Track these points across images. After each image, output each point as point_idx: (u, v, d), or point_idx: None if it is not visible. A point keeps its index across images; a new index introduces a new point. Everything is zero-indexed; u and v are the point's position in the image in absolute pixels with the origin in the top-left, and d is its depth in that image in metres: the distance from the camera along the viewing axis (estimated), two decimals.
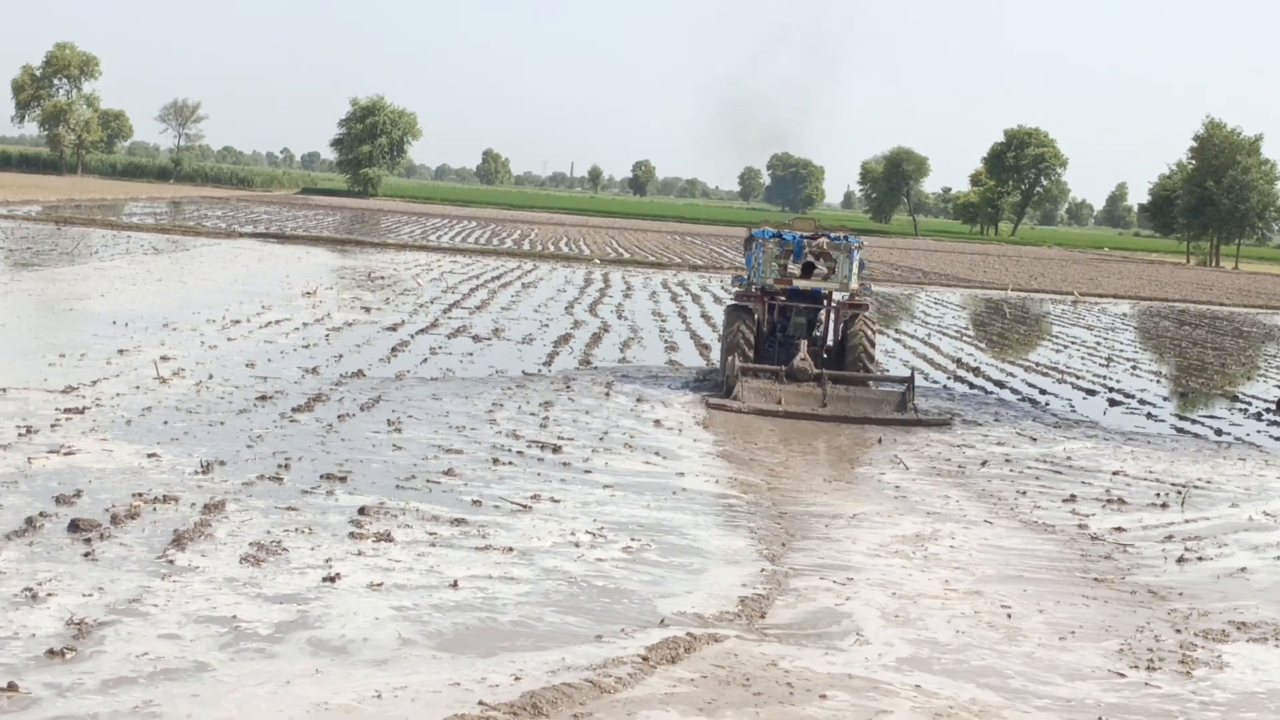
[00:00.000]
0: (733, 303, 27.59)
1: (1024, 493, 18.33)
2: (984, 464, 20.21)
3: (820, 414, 24.18)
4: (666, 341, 34.66)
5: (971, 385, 29.88)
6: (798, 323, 26.92)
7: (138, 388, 20.92)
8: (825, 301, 27.21)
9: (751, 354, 26.04)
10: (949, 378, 30.90)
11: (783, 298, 26.93)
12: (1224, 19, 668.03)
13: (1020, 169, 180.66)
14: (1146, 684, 10.95)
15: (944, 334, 42.79)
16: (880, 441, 21.68)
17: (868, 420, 24.06)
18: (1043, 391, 29.52)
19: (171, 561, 12.02)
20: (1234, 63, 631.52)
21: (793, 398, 24.70)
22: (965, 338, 42.46)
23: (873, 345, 26.68)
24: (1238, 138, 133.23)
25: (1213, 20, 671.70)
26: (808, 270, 26.83)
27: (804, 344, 25.87)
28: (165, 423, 18.29)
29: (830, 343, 27.21)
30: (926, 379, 30.23)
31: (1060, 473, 19.98)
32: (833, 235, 27.11)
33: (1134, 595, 13.56)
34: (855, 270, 26.92)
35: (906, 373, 27.10)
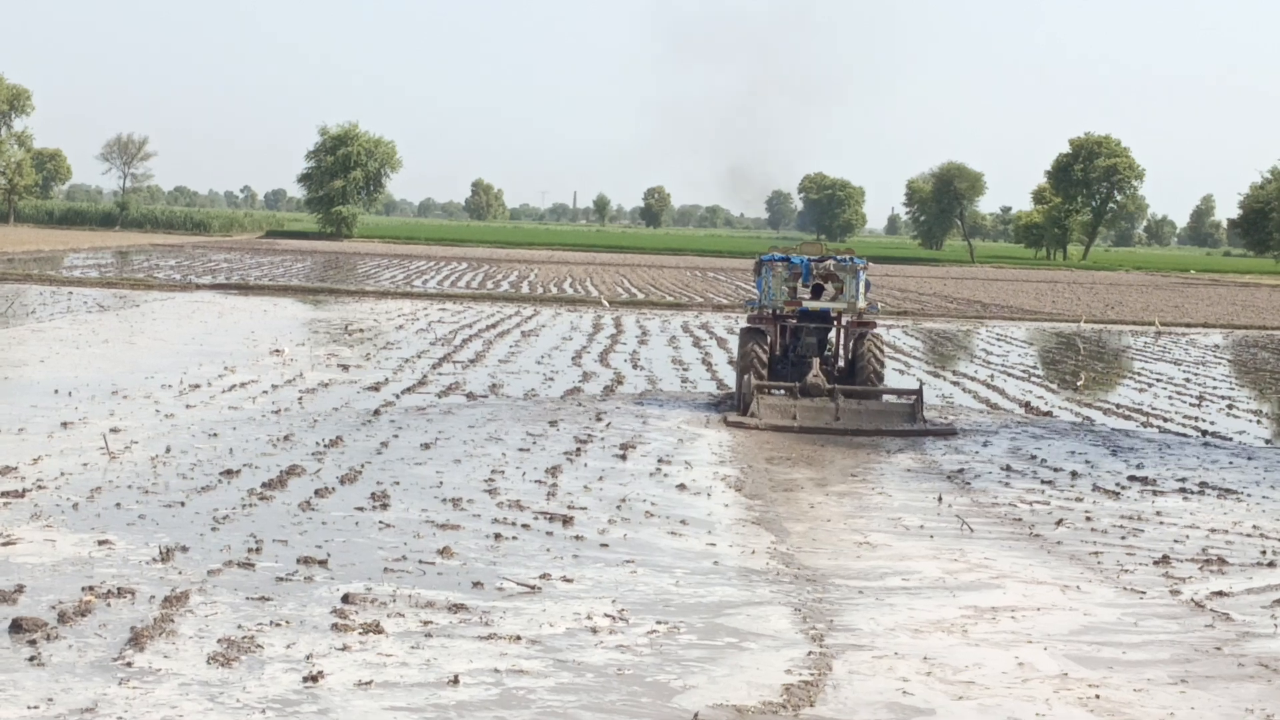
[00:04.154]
0: (746, 325, 32.61)
1: (1102, 553, 18.27)
2: (1060, 523, 20.16)
3: (834, 428, 28.59)
4: (689, 396, 34.66)
5: (1043, 431, 29.83)
6: (809, 342, 31.83)
7: (85, 465, 20.99)
8: (835, 321, 32.13)
9: (765, 373, 30.57)
10: (1018, 423, 30.84)
11: (793, 319, 31.92)
12: None
13: (1090, 183, 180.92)
14: None
15: (1009, 374, 42.76)
16: (940, 499, 21.65)
17: (880, 432, 28.53)
18: (1127, 435, 29.47)
19: (129, 664, 12.04)
20: None
21: (807, 413, 29.20)
22: (1034, 378, 42.42)
23: (882, 362, 31.23)
24: None
25: None
26: (817, 292, 31.58)
27: (816, 361, 30.66)
28: (118, 505, 18.35)
29: (841, 361, 31.89)
30: (983, 416, 30.21)
31: (1145, 530, 19.92)
32: (839, 258, 31.77)
33: (1241, 668, 13.49)
34: (862, 290, 31.53)
35: (933, 392, 30.81)
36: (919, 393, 29.99)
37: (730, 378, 35.84)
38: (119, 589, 14.20)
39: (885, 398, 30.92)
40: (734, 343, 49.11)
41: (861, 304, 31.50)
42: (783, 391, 30.15)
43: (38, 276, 69.36)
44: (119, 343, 40.93)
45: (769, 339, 31.32)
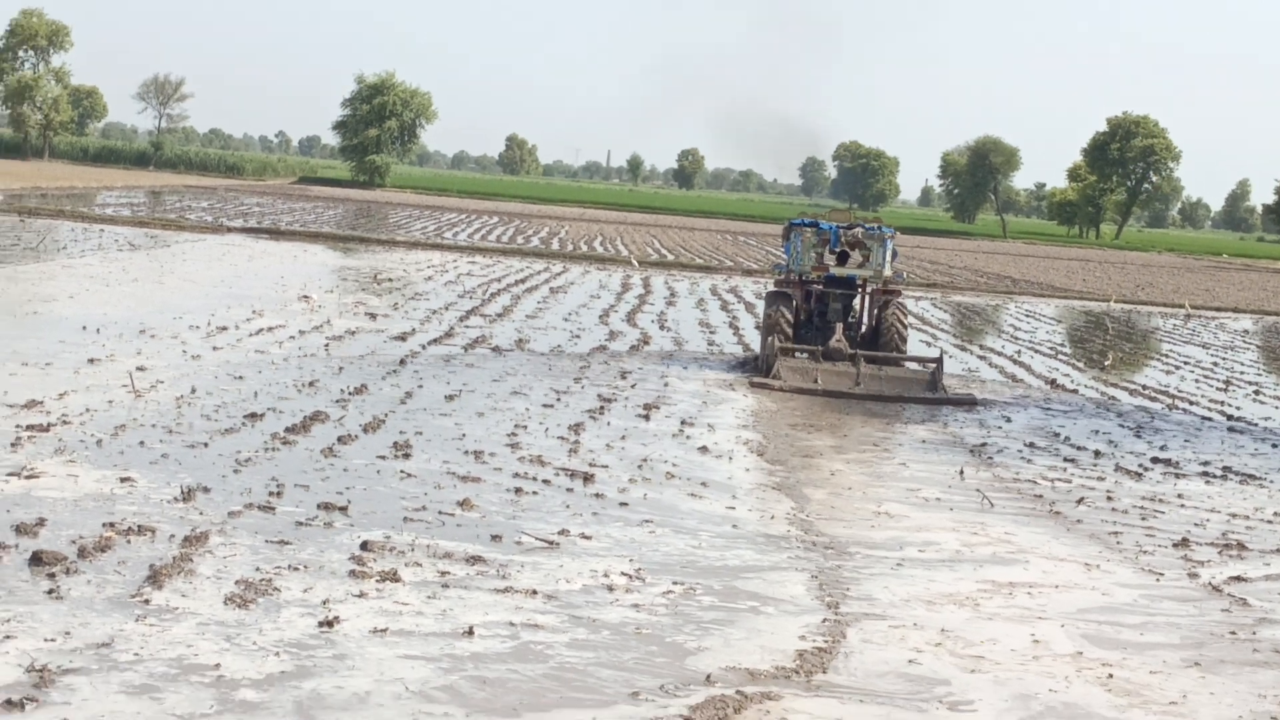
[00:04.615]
0: (772, 289, 33.48)
1: (1122, 534, 18.23)
2: (1080, 501, 20.11)
3: (854, 392, 29.15)
4: (715, 358, 34.68)
5: (1067, 408, 29.75)
6: (834, 308, 32.27)
7: (110, 403, 21.07)
8: (860, 288, 32.71)
9: (790, 336, 31.21)
10: (1043, 400, 30.76)
11: (819, 285, 32.38)
12: None
13: (1126, 163, 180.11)
14: None
15: (1036, 351, 42.65)
16: (962, 473, 21.62)
17: (900, 399, 29.08)
18: (1152, 417, 29.38)
19: (147, 601, 12.09)
20: None
21: (829, 377, 29.82)
22: (1061, 355, 42.30)
23: (905, 330, 31.95)
24: None
25: None
26: (843, 258, 32.29)
27: (839, 327, 31.45)
28: (141, 443, 18.41)
29: (865, 327, 32.59)
30: (1004, 391, 30.15)
31: (1166, 513, 19.87)
32: (867, 226, 32.29)
33: (1256, 653, 13.46)
34: (889, 259, 32.06)
35: (959, 365, 31.71)
36: (939, 361, 30.54)
37: (757, 342, 35.85)
38: (139, 526, 14.26)
39: (907, 365, 31.33)
40: (761, 308, 49.11)
41: (888, 272, 32.08)
42: (805, 355, 30.80)
43: (70, 213, 69.50)
44: (148, 282, 41.03)
45: (794, 303, 31.97)
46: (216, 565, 13.31)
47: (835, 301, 32.30)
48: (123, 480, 16.28)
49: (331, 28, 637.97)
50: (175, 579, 12.72)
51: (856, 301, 32.91)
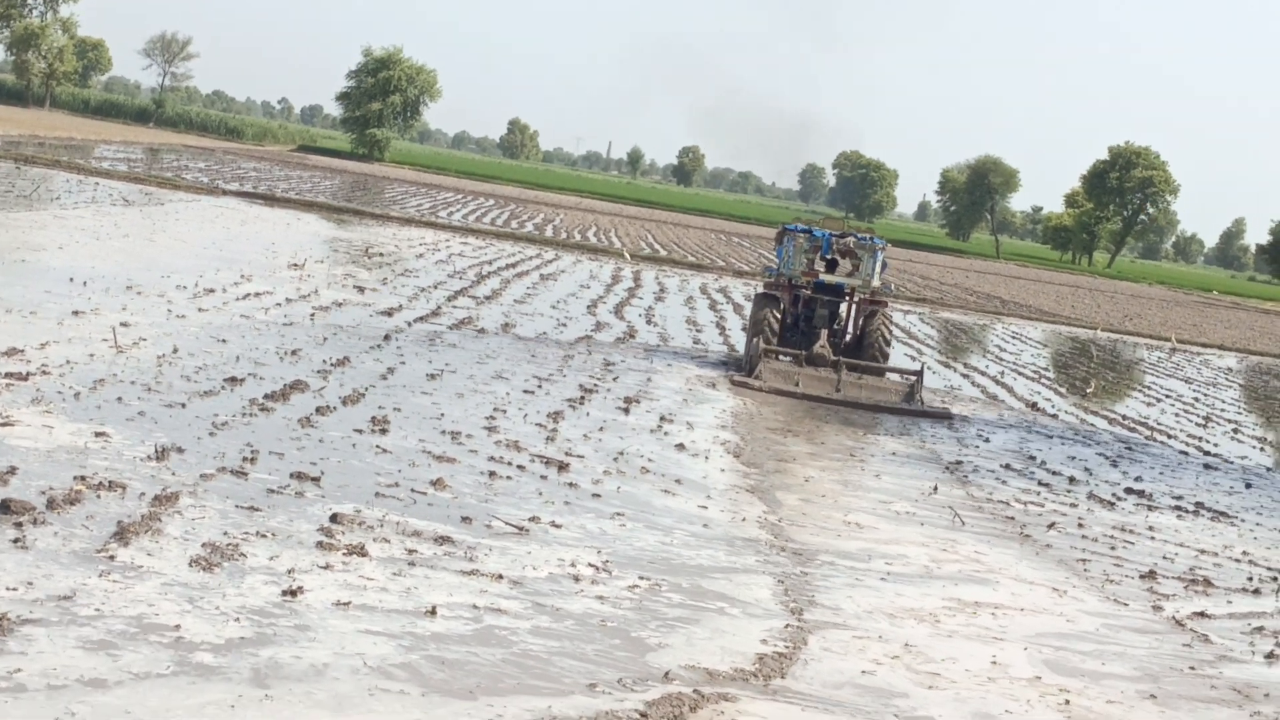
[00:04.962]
0: (761, 291, 34.01)
1: (1090, 562, 18.27)
2: (1052, 526, 20.15)
3: (833, 398, 29.47)
4: (698, 356, 34.70)
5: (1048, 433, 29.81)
6: (820, 314, 32.63)
7: (91, 356, 21.02)
8: (848, 296, 32.93)
9: (775, 338, 31.67)
10: (1023, 422, 30.81)
11: (808, 290, 32.63)
12: None
13: (1124, 192, 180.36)
14: None
15: (1020, 373, 42.70)
16: (936, 490, 21.65)
17: (877, 408, 29.43)
18: (1129, 448, 29.42)
19: (112, 558, 12.07)
20: None
21: (810, 381, 30.21)
22: (1044, 379, 42.35)
23: (889, 340, 32.32)
24: None
25: None
26: (833, 266, 32.44)
27: (825, 333, 31.81)
28: (119, 399, 18.38)
29: (849, 336, 32.87)
30: (984, 415, 30.20)
31: (1135, 544, 19.91)
32: (860, 235, 32.64)
33: (1214, 690, 13.50)
34: (878, 269, 32.38)
35: (941, 381, 32.12)
36: (919, 374, 30.99)
37: (742, 343, 35.88)
38: (110, 482, 14.23)
39: (888, 376, 31.57)
40: (750, 309, 49.16)
41: (876, 283, 32.43)
42: (789, 358, 31.31)
43: (66, 164, 69.33)
44: (139, 238, 40.95)
45: (782, 306, 32.41)
46: (184, 526, 13.29)
47: (822, 308, 32.67)
48: (97, 435, 16.25)
49: None
50: (142, 537, 12.70)
51: (843, 309, 33.22)
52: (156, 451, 15.81)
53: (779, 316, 32.04)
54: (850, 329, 33.13)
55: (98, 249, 35.90)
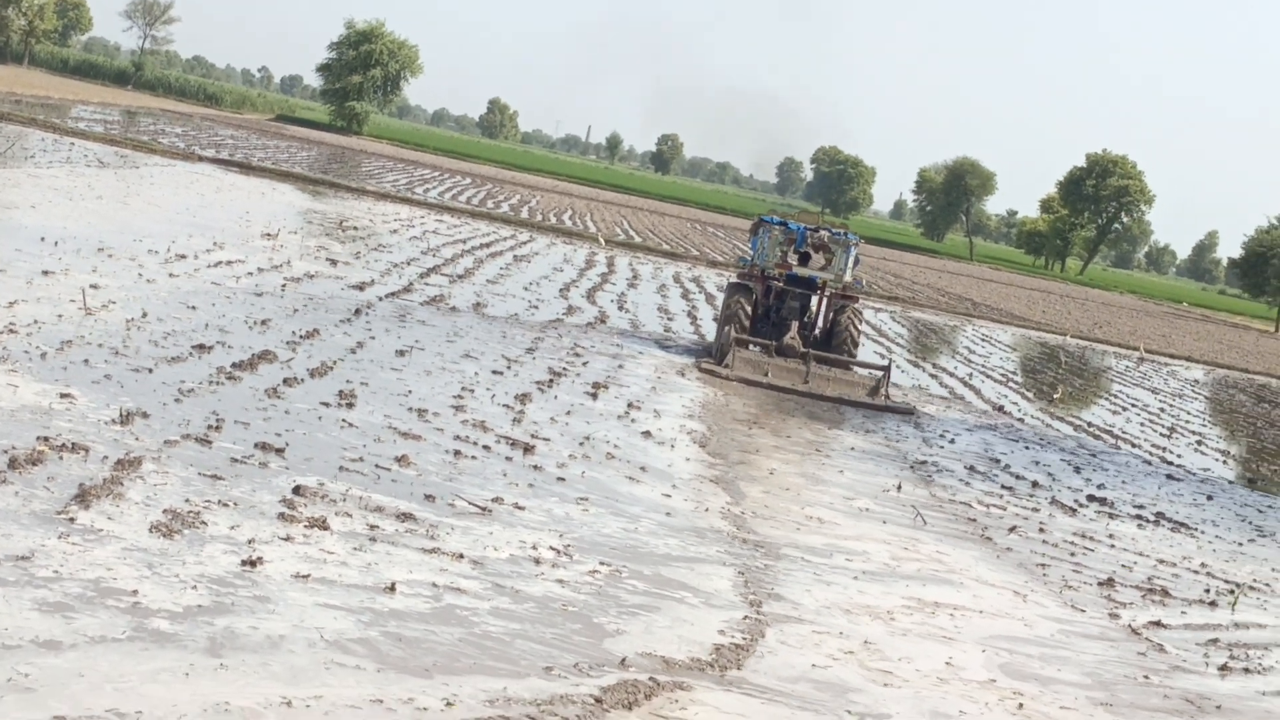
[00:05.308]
0: (734, 280, 34.51)
1: (1050, 567, 18.33)
2: (1013, 530, 20.21)
3: (800, 389, 29.86)
4: (669, 344, 34.72)
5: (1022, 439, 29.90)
6: (791, 306, 32.96)
7: (60, 317, 20.92)
8: (819, 290, 33.32)
9: (747, 327, 31.87)
10: (989, 425, 30.90)
11: (780, 282, 32.89)
12: None
13: (1099, 200, 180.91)
14: None
15: (988, 375, 42.82)
16: (900, 488, 21.70)
17: (843, 401, 29.83)
18: (1094, 455, 29.53)
19: (72, 520, 12.02)
20: None
21: (778, 371, 30.53)
22: (1012, 383, 42.49)
23: (857, 335, 32.77)
24: None
25: None
26: (805, 259, 32.75)
27: (795, 325, 32.31)
28: (86, 361, 18.30)
29: (819, 329, 33.26)
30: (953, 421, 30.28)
31: (1095, 551, 19.98)
32: (834, 230, 33.06)
33: (1167, 700, 13.57)
34: (850, 265, 32.84)
35: (909, 379, 32.80)
36: (887, 369, 31.48)
37: (713, 334, 35.90)
38: (73, 444, 14.16)
39: (855, 370, 31.98)
40: (723, 298, 49.21)
41: (848, 278, 32.87)
42: (759, 348, 31.71)
43: (42, 123, 68.97)
44: (113, 201, 40.76)
45: (754, 296, 32.70)
46: (146, 492, 13.24)
47: (793, 300, 33.03)
48: (62, 396, 16.17)
49: None
50: (103, 501, 12.64)
51: (814, 302, 33.66)
52: (121, 415, 15.75)
53: (751, 306, 32.33)
54: (820, 322, 33.49)
55: (70, 209, 35.72)
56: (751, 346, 31.61)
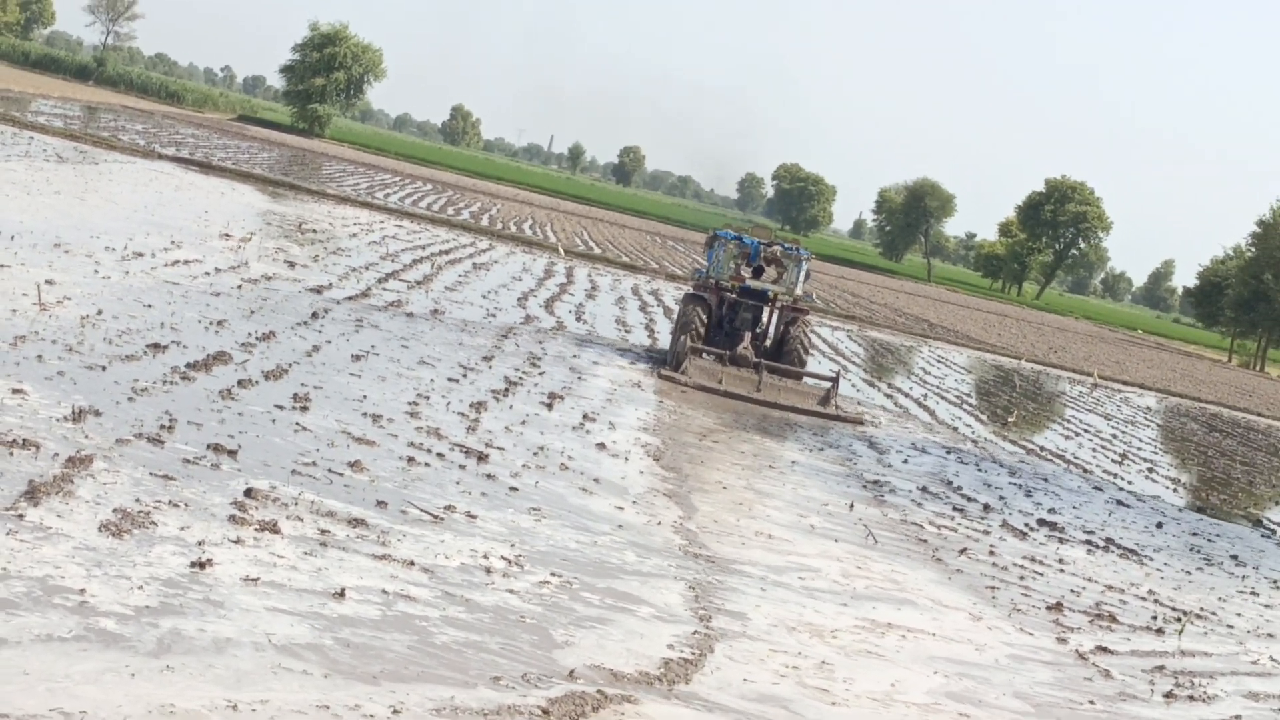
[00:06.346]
0: (690, 291, 35.57)
1: (999, 590, 18.40)
2: (963, 552, 20.28)
3: (754, 398, 30.85)
4: (626, 356, 34.73)
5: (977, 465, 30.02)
6: (744, 317, 33.96)
7: (14, 312, 20.79)
8: (771, 302, 34.31)
9: (702, 335, 32.94)
10: (942, 446, 31.02)
11: (733, 294, 33.98)
12: None
13: (1057, 225, 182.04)
14: None
15: (943, 397, 42.98)
16: (852, 507, 21.75)
17: (794, 410, 30.89)
18: (1045, 479, 29.66)
19: (21, 516, 11.94)
20: None
21: (732, 380, 31.53)
22: (966, 405, 42.65)
23: (807, 346, 33.87)
24: None
25: None
26: (758, 272, 33.91)
27: (748, 335, 33.21)
28: (39, 357, 18.18)
29: (770, 340, 34.18)
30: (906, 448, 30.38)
31: (1045, 575, 20.07)
32: (786, 245, 34.19)
33: None
34: (801, 279, 34.10)
35: (839, 377, 33.81)
36: (835, 380, 32.82)
37: (669, 343, 35.94)
38: (24, 440, 14.07)
39: (805, 380, 33.14)
40: (678, 308, 49.31)
41: (799, 291, 34.21)
42: (713, 357, 32.43)
43: (2, 115, 68.52)
44: (70, 196, 40.54)
45: (709, 307, 33.73)
46: (97, 490, 13.17)
47: (746, 311, 34.04)
48: (14, 391, 16.07)
49: None
50: (53, 498, 12.57)
51: (766, 314, 34.61)
52: (73, 413, 15.66)
53: (705, 317, 33.33)
54: (772, 333, 34.47)
55: (27, 203, 35.51)
56: (705, 355, 32.36)
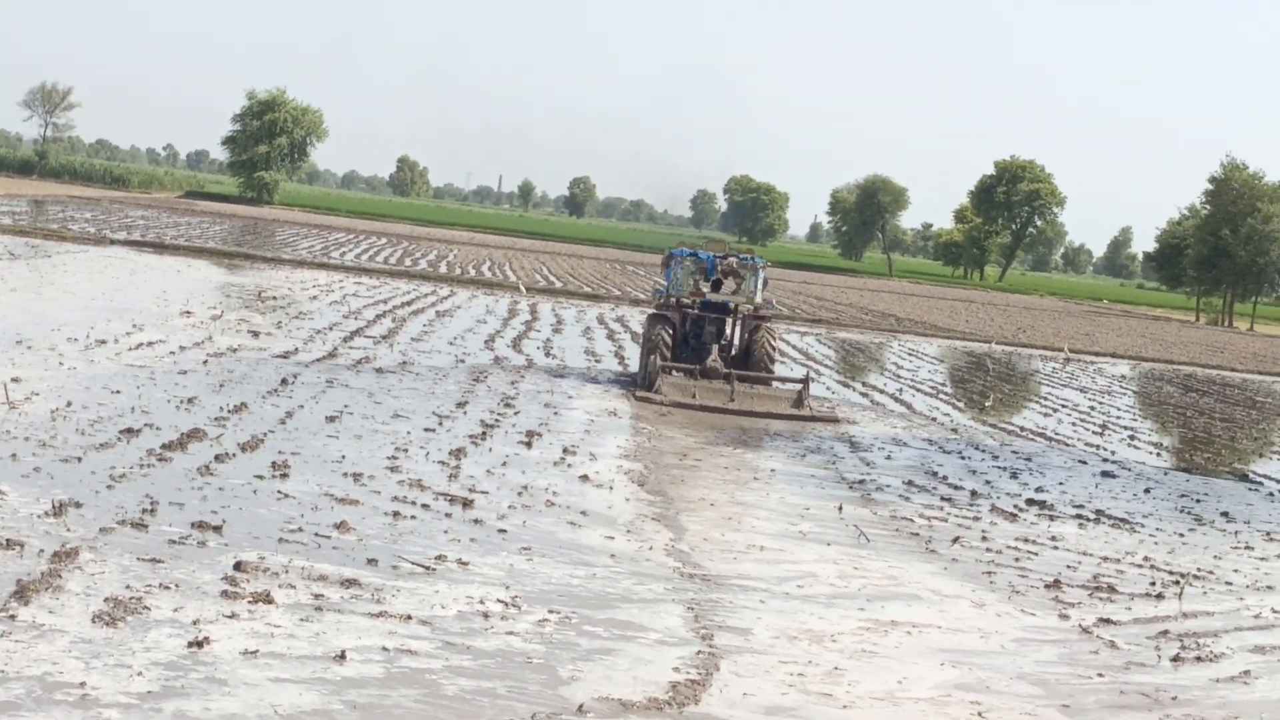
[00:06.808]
0: (653, 312, 36.02)
1: (996, 574, 18.43)
2: (956, 541, 20.31)
3: (729, 409, 31.45)
4: (598, 385, 34.74)
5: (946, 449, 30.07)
6: (709, 331, 34.74)
7: None
8: (733, 313, 35.05)
9: (669, 355, 33.42)
10: (923, 438, 31.08)
11: (695, 309, 34.77)
12: (1246, 52, 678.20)
13: (1011, 206, 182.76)
14: None
15: (919, 390, 43.06)
16: (841, 509, 21.77)
17: (770, 415, 31.47)
18: (1029, 459, 29.74)
19: (13, 617, 11.89)
20: (1259, 98, 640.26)
21: (705, 393, 32.19)
22: (942, 395, 42.74)
23: (773, 352, 34.48)
24: (1259, 182, 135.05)
25: (1235, 55, 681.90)
26: (716, 286, 34.89)
27: (715, 348, 33.86)
28: (13, 455, 18.12)
29: (735, 349, 34.77)
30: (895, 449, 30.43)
31: (1039, 554, 20.11)
32: (741, 256, 35.24)
33: (1123, 695, 13.66)
34: (760, 287, 34.93)
35: (809, 378, 34.45)
36: (805, 381, 33.39)
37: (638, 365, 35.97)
38: (7, 540, 14.01)
39: (775, 385, 33.84)
40: (644, 330, 49.34)
41: (759, 299, 35.09)
42: (683, 373, 33.00)
43: None
44: (27, 292, 40.43)
45: (673, 325, 34.31)
46: (86, 582, 13.11)
47: (710, 325, 34.81)
48: None
49: (223, 41, 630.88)
50: (43, 595, 12.51)
51: (729, 325, 35.19)
52: (54, 507, 15.59)
53: (671, 335, 33.93)
54: (737, 343, 35.05)
55: None
56: (676, 372, 32.94)
